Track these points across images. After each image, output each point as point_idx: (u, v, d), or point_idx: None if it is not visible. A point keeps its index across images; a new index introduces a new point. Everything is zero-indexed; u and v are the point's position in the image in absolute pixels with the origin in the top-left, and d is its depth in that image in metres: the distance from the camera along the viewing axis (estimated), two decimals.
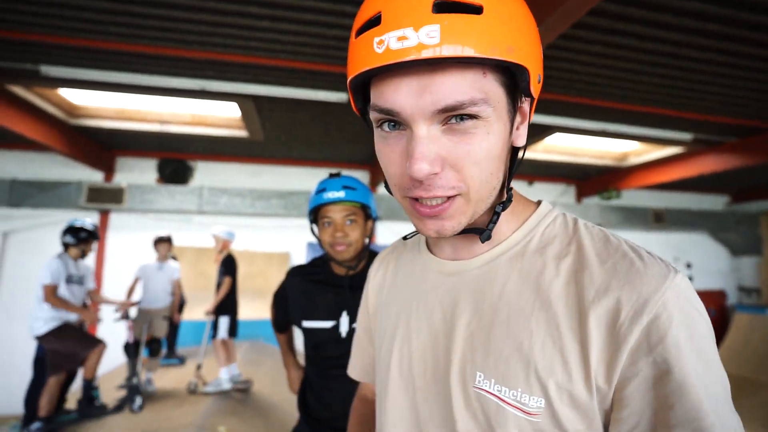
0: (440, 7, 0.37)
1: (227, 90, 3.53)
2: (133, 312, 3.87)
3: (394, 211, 6.02)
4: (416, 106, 0.39)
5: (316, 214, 1.34)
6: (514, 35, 0.39)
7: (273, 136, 4.94)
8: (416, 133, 0.40)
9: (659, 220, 6.82)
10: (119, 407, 3.03)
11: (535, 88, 0.44)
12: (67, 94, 4.21)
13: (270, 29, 2.68)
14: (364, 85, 0.45)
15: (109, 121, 4.60)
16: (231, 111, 4.49)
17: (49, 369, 2.94)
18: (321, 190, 1.30)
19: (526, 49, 0.40)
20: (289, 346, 1.72)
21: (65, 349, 2.96)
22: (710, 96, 3.49)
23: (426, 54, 0.36)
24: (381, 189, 6.36)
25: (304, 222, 5.99)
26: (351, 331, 1.30)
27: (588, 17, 2.41)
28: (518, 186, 6.91)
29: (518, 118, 0.46)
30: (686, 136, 4.53)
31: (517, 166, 0.49)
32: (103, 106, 4.52)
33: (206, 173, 5.95)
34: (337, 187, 1.26)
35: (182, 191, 5.50)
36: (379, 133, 0.45)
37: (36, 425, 2.89)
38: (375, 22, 0.39)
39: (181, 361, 4.63)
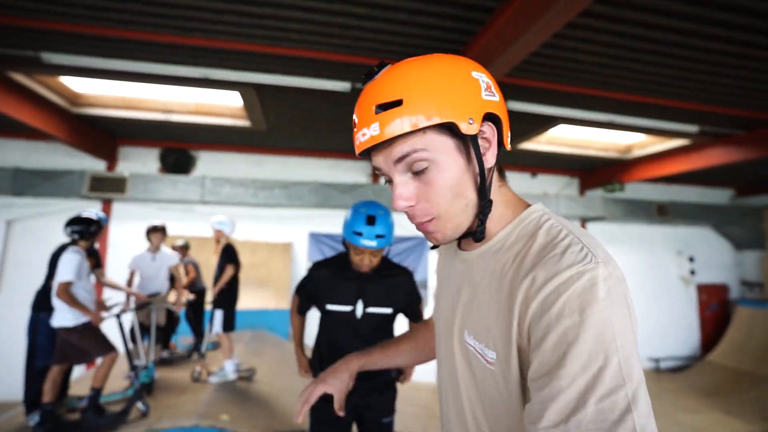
0: (378, 108, 0.58)
1: (230, 78, 3.50)
2: (132, 304, 3.87)
3: None
4: (387, 165, 0.61)
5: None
6: (429, 106, 0.56)
7: (276, 126, 4.92)
8: (394, 182, 0.62)
9: (663, 213, 6.79)
10: (125, 412, 2.99)
11: (470, 129, 0.58)
12: (69, 82, 4.20)
13: (273, 16, 2.65)
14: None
15: (111, 110, 4.58)
16: (234, 100, 4.47)
17: (56, 358, 2.93)
18: (358, 233, 1.61)
19: (445, 108, 0.56)
20: (301, 335, 1.95)
21: (82, 345, 2.92)
22: (718, 87, 3.44)
23: (375, 141, 0.58)
24: (383, 180, 6.34)
25: (307, 212, 5.99)
26: (364, 314, 1.69)
27: (594, 5, 2.36)
28: (521, 178, 6.90)
29: (486, 145, 0.62)
30: (692, 128, 4.48)
31: (486, 182, 0.62)
32: (106, 94, 4.51)
33: (209, 163, 5.94)
34: (371, 236, 1.61)
35: (185, 181, 5.50)
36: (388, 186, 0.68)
37: (35, 417, 2.91)
38: (354, 126, 0.62)
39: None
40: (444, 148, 0.58)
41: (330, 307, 1.72)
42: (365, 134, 0.59)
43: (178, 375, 3.87)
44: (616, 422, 0.44)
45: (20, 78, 3.75)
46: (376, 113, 0.58)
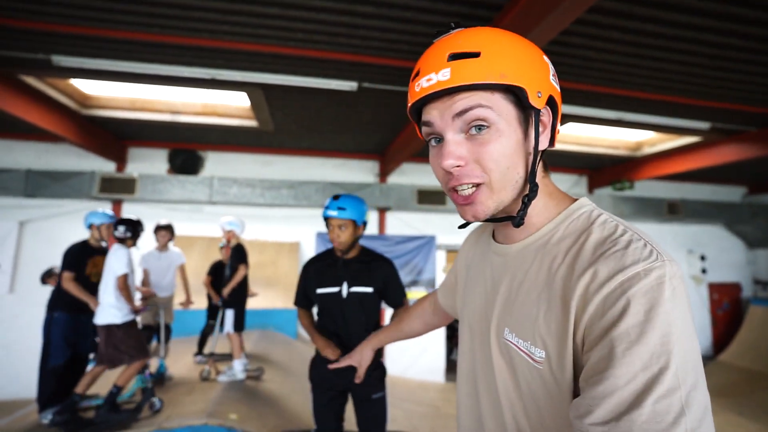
0: (452, 57, 0.55)
1: (237, 79, 3.52)
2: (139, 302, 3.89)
3: (402, 202, 6.01)
4: (442, 120, 0.58)
5: (326, 220, 1.99)
6: (506, 66, 0.54)
7: (283, 126, 4.94)
8: (446, 139, 0.58)
9: (674, 211, 6.70)
10: (138, 410, 3.04)
11: (537, 102, 0.57)
12: (79, 84, 4.24)
13: (279, 16, 2.65)
14: (420, 115, 0.63)
15: (120, 112, 4.63)
16: (241, 101, 4.49)
17: (103, 360, 3.00)
18: (326, 207, 1.94)
19: (519, 73, 0.55)
20: (311, 322, 2.10)
21: (122, 345, 2.98)
22: (730, 83, 3.38)
23: (443, 86, 0.55)
24: (391, 179, 6.34)
25: (314, 212, 6.01)
26: (349, 294, 1.97)
27: (603, 1, 2.33)
28: None
29: (540, 128, 0.60)
30: (703, 125, 4.41)
31: (536, 164, 0.60)
32: (115, 96, 4.55)
33: (217, 163, 5.98)
34: (333, 207, 1.92)
35: (193, 181, 5.54)
36: (430, 148, 0.63)
37: (48, 415, 2.96)
38: (416, 74, 0.59)
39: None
40: (507, 114, 0.56)
41: (320, 290, 2.00)
42: (431, 80, 0.55)
43: (187, 373, 3.91)
44: (671, 424, 0.43)
45: (31, 80, 3.80)
46: (449, 60, 0.55)
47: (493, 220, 0.63)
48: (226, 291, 3.78)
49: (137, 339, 3.12)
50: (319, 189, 5.77)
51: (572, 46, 2.89)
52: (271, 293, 5.68)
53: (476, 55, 0.54)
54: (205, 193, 5.53)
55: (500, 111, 0.56)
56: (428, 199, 6.08)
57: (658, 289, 0.48)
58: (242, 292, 3.90)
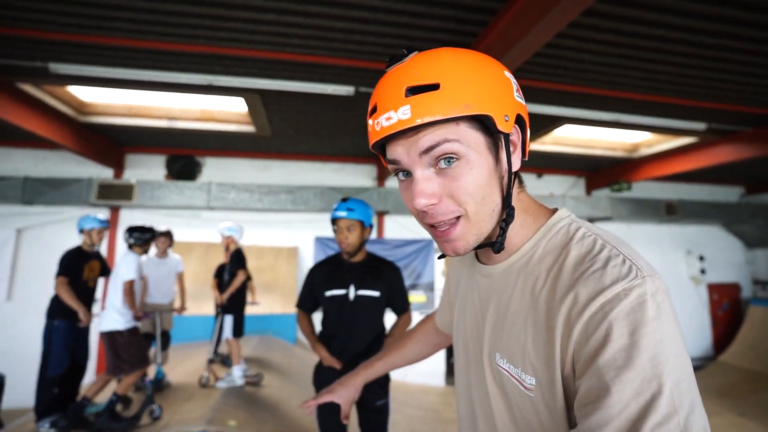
0: (410, 92, 0.52)
1: (234, 85, 3.52)
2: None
3: (400, 206, 6.02)
4: (409, 158, 0.55)
5: (333, 223, 2.03)
6: (468, 94, 0.52)
7: (280, 131, 4.94)
8: (415, 177, 0.55)
9: (671, 212, 6.71)
10: (138, 416, 3.03)
11: (504, 126, 0.54)
12: (76, 91, 4.25)
13: (275, 22, 2.67)
14: (383, 149, 0.60)
15: (118, 118, 4.63)
16: (238, 106, 4.49)
17: (110, 369, 3.01)
18: (335, 209, 2.01)
19: (483, 100, 0.52)
20: (311, 329, 2.12)
21: (123, 353, 2.98)
22: (725, 84, 3.40)
23: (404, 126, 0.51)
24: (388, 183, 6.34)
25: (312, 217, 6.00)
26: (356, 296, 2.00)
27: (597, 4, 2.35)
28: (527, 178, 6.87)
29: (511, 148, 0.58)
30: (699, 125, 4.43)
31: (512, 187, 0.58)
32: (112, 102, 4.56)
33: (214, 169, 5.98)
34: (342, 208, 1.98)
35: (191, 187, 5.54)
36: (399, 181, 0.60)
37: (45, 425, 2.95)
38: (374, 110, 0.55)
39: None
40: (476, 143, 0.54)
41: (328, 293, 2.02)
42: (391, 118, 0.52)
43: (186, 379, 3.88)
44: None
45: (29, 88, 3.80)
46: (407, 96, 0.52)
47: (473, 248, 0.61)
48: (225, 296, 3.77)
49: (139, 347, 3.12)
50: (317, 193, 5.77)
51: (567, 49, 2.91)
52: (270, 298, 5.66)
53: (435, 87, 0.51)
54: (204, 199, 5.53)
55: (468, 142, 0.53)
56: None
57: (641, 308, 0.46)
58: (241, 297, 3.90)
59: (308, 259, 6.03)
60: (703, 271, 7.39)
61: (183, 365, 4.34)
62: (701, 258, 7.42)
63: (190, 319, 4.99)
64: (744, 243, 7.74)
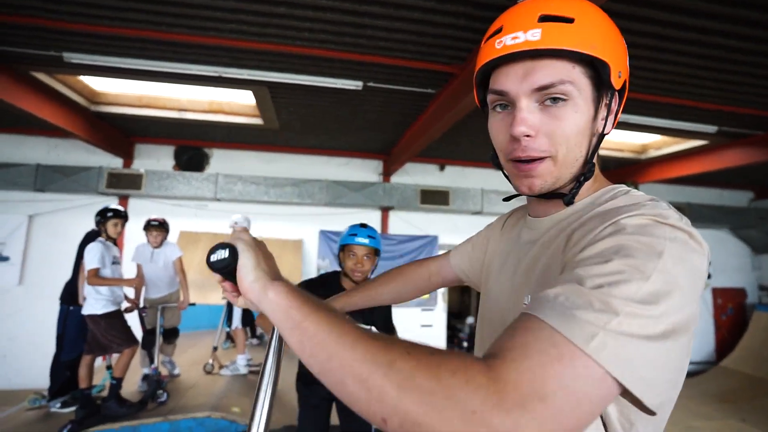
0: (543, 18, 0.52)
1: (243, 77, 3.55)
2: (141, 302, 3.71)
3: (405, 202, 6.04)
4: (519, 88, 0.54)
5: (344, 247, 1.93)
6: (597, 38, 0.52)
7: (288, 124, 4.97)
8: (519, 106, 0.54)
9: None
10: (144, 402, 3.06)
11: (616, 82, 0.55)
12: (88, 80, 4.30)
13: (286, 15, 2.68)
14: (484, 79, 0.60)
15: (128, 108, 4.68)
16: (247, 99, 4.52)
17: (87, 348, 3.07)
18: (353, 234, 1.90)
19: (607, 49, 0.53)
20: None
21: (106, 335, 3.04)
22: (737, 86, 3.37)
23: (530, 47, 0.51)
24: (394, 179, 6.35)
25: (318, 210, 6.04)
26: None
27: (610, 3, 2.33)
28: None
29: (604, 111, 0.58)
30: (710, 128, 4.38)
31: (598, 146, 0.60)
32: (123, 92, 4.60)
33: (222, 160, 6.03)
34: (364, 235, 1.90)
35: (198, 178, 5.59)
36: (493, 114, 0.60)
37: (56, 404, 3.03)
38: (498, 31, 0.55)
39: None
40: (584, 90, 0.54)
41: None
42: (517, 38, 0.52)
43: (190, 367, 3.95)
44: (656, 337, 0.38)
45: (42, 77, 3.86)
46: (540, 21, 0.52)
47: (543, 195, 0.61)
48: None
49: (122, 328, 3.16)
50: (323, 187, 5.80)
51: None
52: None
53: (570, 20, 0.52)
54: (211, 190, 5.58)
55: (580, 86, 0.53)
56: (431, 199, 6.10)
57: (683, 235, 0.44)
58: None
59: (313, 252, 6.07)
60: (708, 275, 7.31)
61: (189, 353, 4.41)
62: (708, 262, 7.35)
63: (196, 309, 5.05)
64: (751, 248, 7.66)
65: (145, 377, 3.59)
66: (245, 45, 3.05)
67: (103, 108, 4.63)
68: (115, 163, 5.73)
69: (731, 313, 7.42)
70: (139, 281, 3.34)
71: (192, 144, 5.90)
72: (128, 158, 5.80)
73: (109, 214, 3.24)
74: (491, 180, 6.49)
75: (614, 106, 0.59)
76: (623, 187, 0.60)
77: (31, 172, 5.21)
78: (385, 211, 6.31)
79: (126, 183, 5.40)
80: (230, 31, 2.90)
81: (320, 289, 1.91)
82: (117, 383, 3.06)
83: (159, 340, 3.58)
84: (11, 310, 5.28)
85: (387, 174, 6.28)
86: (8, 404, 3.61)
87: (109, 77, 3.90)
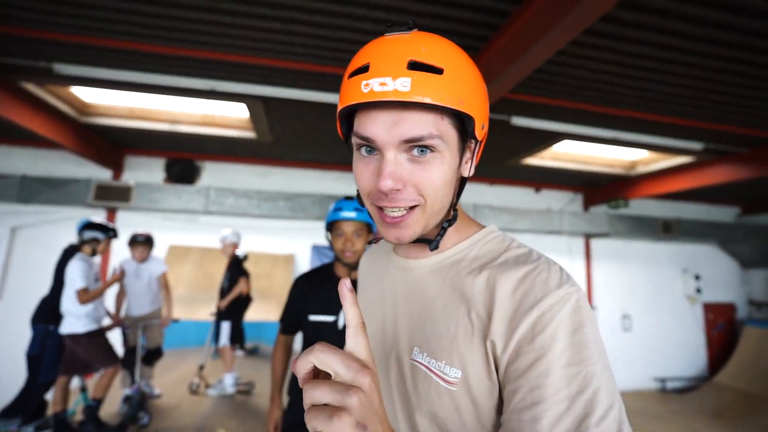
0: (412, 66, 0.50)
1: (237, 91, 3.54)
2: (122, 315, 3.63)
3: None
4: (387, 137, 0.52)
5: (332, 227, 1.69)
6: (465, 92, 0.52)
7: (281, 138, 4.96)
8: (386, 157, 0.53)
9: (668, 230, 6.73)
10: (124, 425, 2.93)
11: (479, 133, 0.57)
12: (78, 92, 4.26)
13: (280, 31, 2.69)
14: (349, 116, 0.57)
15: (119, 120, 4.64)
16: (240, 112, 4.51)
17: (63, 368, 2.93)
18: (338, 209, 1.65)
19: (474, 103, 0.54)
20: (283, 368, 1.79)
21: (87, 354, 2.91)
22: (722, 105, 3.45)
23: (399, 97, 0.49)
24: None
25: (310, 224, 5.99)
26: (345, 327, 1.62)
27: (599, 24, 2.39)
28: (525, 193, 6.89)
29: (467, 155, 0.60)
30: (697, 145, 4.48)
31: (461, 192, 0.62)
32: (114, 104, 4.57)
33: (213, 173, 5.98)
34: (350, 208, 1.64)
35: (189, 191, 5.52)
36: (358, 155, 0.58)
37: (29, 429, 2.89)
38: (364, 69, 0.52)
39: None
40: (451, 142, 0.55)
41: (312, 318, 1.65)
42: (386, 84, 0.49)
43: (175, 386, 3.82)
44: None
45: (31, 87, 3.81)
46: (409, 69, 0.50)
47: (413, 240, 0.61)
48: (224, 303, 3.72)
49: (104, 347, 3.04)
50: (315, 201, 5.77)
51: (568, 66, 2.94)
52: (265, 305, 5.61)
53: (440, 71, 0.50)
54: (201, 203, 5.51)
55: (447, 139, 0.54)
56: None
57: (579, 312, 0.50)
58: (239, 304, 3.84)
59: (304, 266, 6.00)
60: (698, 291, 7.39)
61: (173, 371, 4.28)
62: (697, 277, 7.43)
63: (183, 325, 4.93)
64: (739, 263, 7.76)
65: (127, 399, 3.43)
66: (239, 59, 3.06)
67: (94, 119, 4.58)
68: (104, 175, 5.64)
69: (722, 328, 7.46)
70: (121, 275, 3.18)
71: (184, 156, 5.85)
72: (118, 170, 5.72)
73: (110, 233, 3.20)
74: (484, 195, 6.52)
75: (477, 151, 0.61)
76: (495, 230, 0.65)
77: (15, 183, 5.09)
78: None
79: (115, 195, 5.31)
80: (225, 45, 2.91)
81: (313, 279, 1.74)
82: (96, 405, 2.94)
83: (139, 361, 3.45)
84: None
85: None
86: None
87: (100, 89, 3.86)
